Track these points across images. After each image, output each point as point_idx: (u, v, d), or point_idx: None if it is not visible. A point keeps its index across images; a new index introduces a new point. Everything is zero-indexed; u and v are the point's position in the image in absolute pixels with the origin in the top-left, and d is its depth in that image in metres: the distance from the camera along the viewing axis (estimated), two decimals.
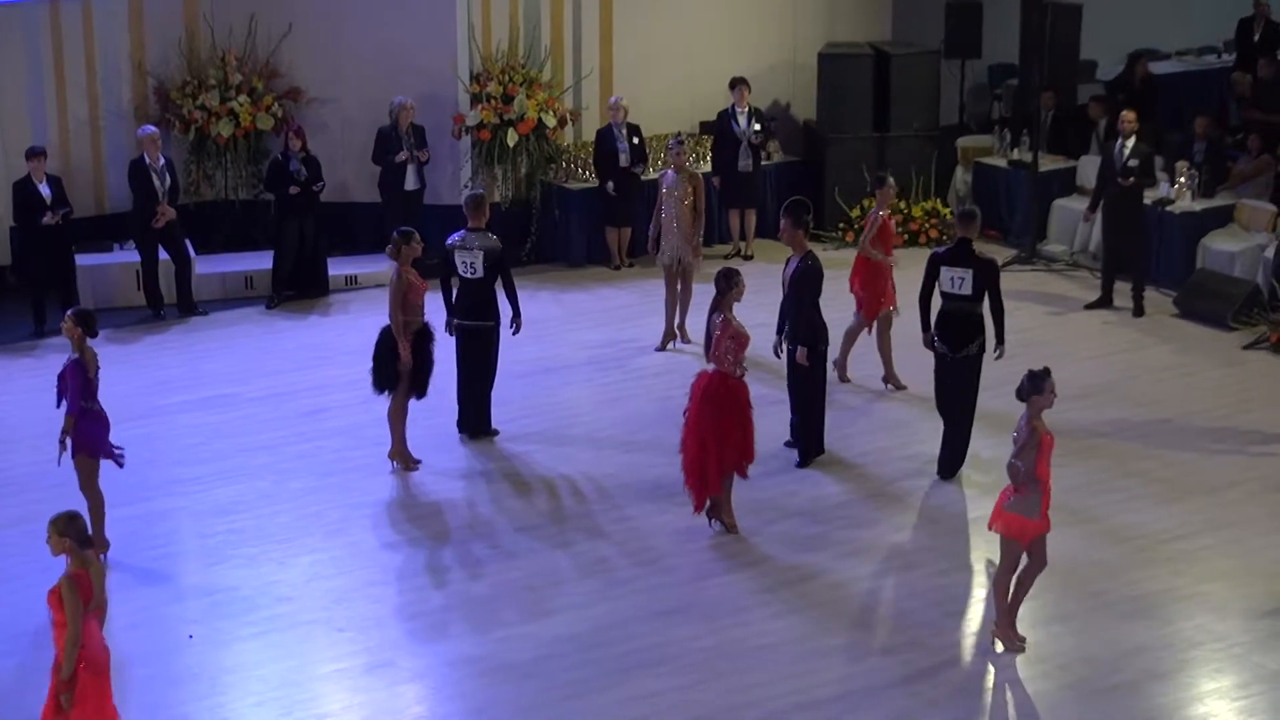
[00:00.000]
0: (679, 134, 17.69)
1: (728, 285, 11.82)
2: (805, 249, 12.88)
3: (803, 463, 13.15)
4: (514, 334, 13.55)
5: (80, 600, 8.42)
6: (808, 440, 13.20)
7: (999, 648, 10.36)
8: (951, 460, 12.93)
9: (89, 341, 11.33)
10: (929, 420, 14.00)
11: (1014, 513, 10.02)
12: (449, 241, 13.39)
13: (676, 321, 15.87)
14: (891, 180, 14.93)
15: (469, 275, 13.32)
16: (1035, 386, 10.05)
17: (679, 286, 15.77)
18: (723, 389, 11.71)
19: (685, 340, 15.79)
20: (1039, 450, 9.95)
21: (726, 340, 11.65)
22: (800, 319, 12.81)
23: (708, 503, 11.92)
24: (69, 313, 11.48)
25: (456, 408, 13.68)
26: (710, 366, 11.82)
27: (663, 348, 15.81)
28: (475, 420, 13.70)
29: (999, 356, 12.77)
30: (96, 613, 8.61)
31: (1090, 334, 16.24)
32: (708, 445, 11.69)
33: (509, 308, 13.48)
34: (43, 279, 16.41)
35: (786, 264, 13.00)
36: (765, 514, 12.28)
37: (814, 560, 11.62)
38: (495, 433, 13.75)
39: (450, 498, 12.76)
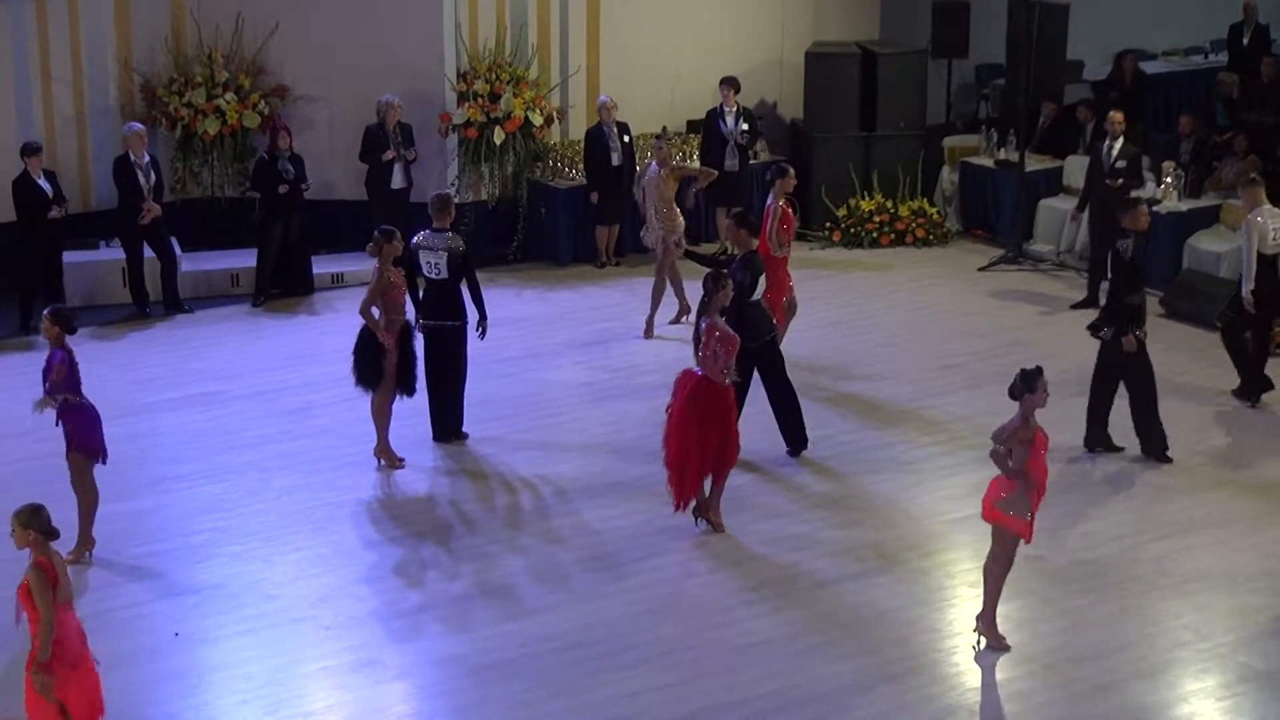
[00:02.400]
0: (664, 129, 18.07)
1: (715, 287, 11.77)
2: (748, 247, 13.08)
3: (793, 451, 13.23)
4: (480, 337, 13.40)
5: (50, 587, 8.39)
6: (791, 431, 13.23)
7: (982, 644, 10.36)
8: (1146, 441, 13.29)
9: (68, 339, 11.28)
10: (911, 419, 14.04)
11: (1003, 511, 9.99)
12: (412, 241, 13.27)
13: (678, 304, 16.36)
14: (791, 170, 14.94)
15: (433, 276, 13.24)
16: (1028, 385, 9.99)
17: (666, 270, 16.29)
18: (707, 394, 11.65)
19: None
20: (1032, 447, 9.92)
21: (714, 343, 11.59)
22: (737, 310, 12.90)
23: (693, 502, 11.91)
24: (45, 312, 11.44)
25: (430, 416, 13.54)
26: (699, 369, 11.80)
27: (676, 321, 16.33)
28: (451, 423, 13.59)
29: (1126, 348, 13.02)
30: (65, 603, 8.59)
31: (1077, 334, 16.21)
32: (689, 447, 11.68)
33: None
34: (35, 276, 16.37)
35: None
36: (749, 513, 12.27)
37: (798, 559, 11.62)
38: (465, 436, 13.63)
39: (435, 496, 12.75)
